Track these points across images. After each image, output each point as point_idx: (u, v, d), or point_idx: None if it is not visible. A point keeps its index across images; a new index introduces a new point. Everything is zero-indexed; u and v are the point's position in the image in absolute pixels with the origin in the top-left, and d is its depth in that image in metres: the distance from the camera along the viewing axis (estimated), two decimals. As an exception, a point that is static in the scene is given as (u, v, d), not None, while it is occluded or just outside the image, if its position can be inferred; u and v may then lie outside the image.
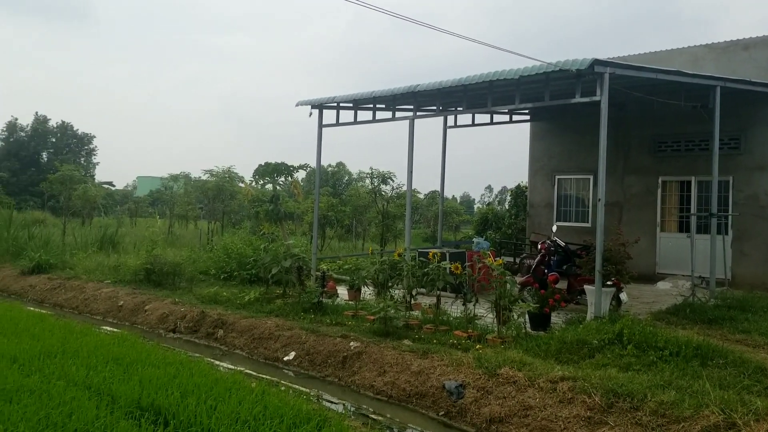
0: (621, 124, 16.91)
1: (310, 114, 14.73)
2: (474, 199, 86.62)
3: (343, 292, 13.09)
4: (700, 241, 14.05)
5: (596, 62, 9.83)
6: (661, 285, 14.93)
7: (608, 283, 10.18)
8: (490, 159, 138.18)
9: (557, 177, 18.55)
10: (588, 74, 10.16)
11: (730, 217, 15.03)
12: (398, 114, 14.99)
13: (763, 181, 14.89)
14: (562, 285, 11.66)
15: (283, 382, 8.63)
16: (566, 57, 10.60)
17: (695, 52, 16.28)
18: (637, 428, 6.10)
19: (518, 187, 22.28)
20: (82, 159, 61.06)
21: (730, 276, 14.75)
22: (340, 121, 14.76)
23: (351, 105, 14.54)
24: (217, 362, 9.67)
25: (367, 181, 24.93)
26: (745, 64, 15.31)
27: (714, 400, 6.16)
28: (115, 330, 11.49)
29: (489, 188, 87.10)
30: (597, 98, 10.14)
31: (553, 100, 11.68)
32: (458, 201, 74.38)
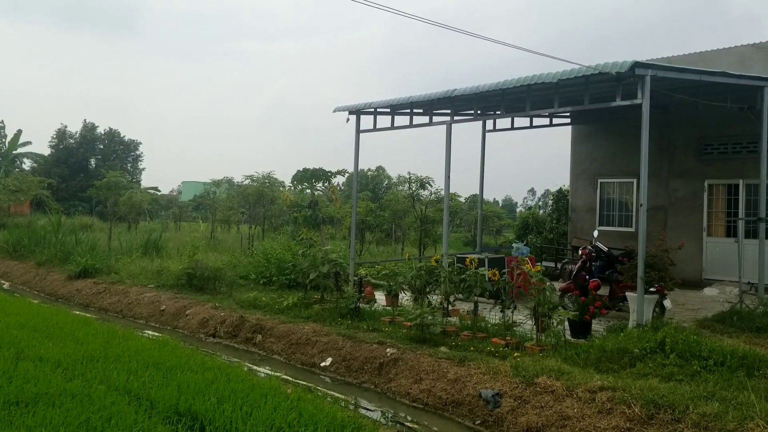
0: (665, 126, 16.55)
1: (348, 120, 14.78)
2: (516, 203, 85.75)
3: (381, 297, 13.08)
4: (748, 246, 13.64)
5: (636, 64, 9.62)
6: (708, 291, 14.53)
7: (651, 289, 9.94)
8: (534, 162, 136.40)
9: (600, 180, 18.23)
10: (628, 77, 9.95)
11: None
12: (435, 119, 14.93)
13: (815, 184, 14.35)
14: (604, 291, 11.44)
15: (319, 388, 8.66)
16: (611, 56, 10.49)
17: (742, 51, 15.82)
18: (679, 441, 5.93)
19: (560, 190, 21.98)
20: (129, 165, 62.39)
21: (781, 282, 14.26)
22: (378, 127, 14.77)
23: (388, 110, 14.54)
24: (255, 367, 9.77)
25: (406, 186, 24.89)
26: (795, 63, 14.82)
27: (759, 412, 5.95)
28: (156, 334, 11.69)
29: (532, 191, 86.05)
30: (638, 101, 9.93)
31: (593, 104, 11.48)
32: (500, 204, 73.79)
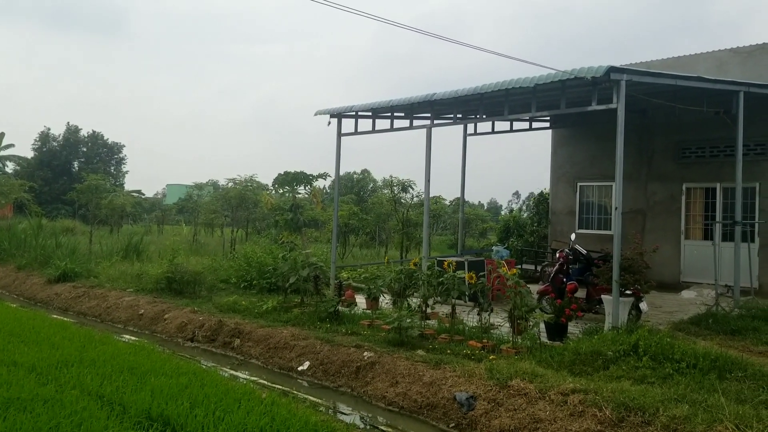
0: (643, 130, 16.71)
1: (329, 123, 14.80)
2: (501, 206, 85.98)
3: (361, 300, 13.08)
4: (725, 249, 13.78)
5: (612, 69, 9.71)
6: (685, 294, 14.66)
7: (627, 292, 10.02)
8: (519, 165, 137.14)
9: (579, 184, 18.36)
10: (604, 81, 10.04)
11: (756, 225, 14.72)
12: (416, 122, 14.98)
13: (790, 187, 14.56)
14: (582, 294, 11.52)
15: (295, 392, 8.64)
16: (595, 61, 10.51)
17: (720, 56, 16.00)
18: (648, 443, 5.98)
19: (541, 194, 22.10)
20: (112, 168, 62.04)
21: (757, 285, 14.43)
22: (359, 130, 14.79)
23: (369, 114, 14.58)
24: (233, 372, 9.75)
25: (389, 189, 24.93)
26: (772, 68, 15.00)
27: (728, 415, 6.01)
28: (134, 338, 11.64)
29: (516, 194, 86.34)
30: (614, 106, 10.01)
31: (570, 108, 11.58)
32: (485, 207, 74.01)
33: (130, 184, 66.34)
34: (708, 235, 15.73)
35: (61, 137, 58.83)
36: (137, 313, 13.62)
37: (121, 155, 63.67)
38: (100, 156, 61.10)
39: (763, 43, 15.40)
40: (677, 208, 16.35)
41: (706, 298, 13.41)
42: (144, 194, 50.55)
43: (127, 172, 64.79)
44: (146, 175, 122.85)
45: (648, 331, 8.48)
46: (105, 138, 62.39)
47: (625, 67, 10.18)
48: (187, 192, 35.27)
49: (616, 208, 10.00)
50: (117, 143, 63.22)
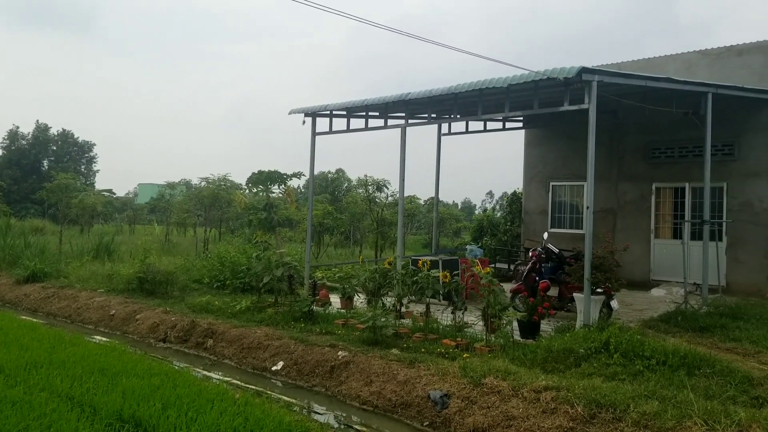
0: (615, 131, 16.93)
1: (303, 122, 14.74)
2: (475, 205, 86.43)
3: (336, 300, 13.06)
4: (694, 247, 14.04)
5: (583, 70, 9.82)
6: (655, 292, 14.89)
7: (598, 290, 10.14)
8: (493, 165, 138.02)
9: (552, 184, 18.54)
10: (576, 82, 10.15)
11: (724, 224, 15.01)
12: (390, 122, 14.99)
13: (756, 187, 14.86)
14: (554, 292, 11.63)
15: (269, 392, 8.60)
16: (568, 63, 10.61)
17: (689, 58, 16.28)
18: (619, 439, 6.06)
19: (514, 193, 22.28)
20: (83, 167, 61.19)
21: (725, 283, 14.73)
22: (333, 129, 14.76)
23: (344, 113, 14.55)
24: (205, 372, 9.66)
25: (363, 188, 24.92)
26: (739, 70, 15.31)
27: (697, 410, 6.11)
28: (105, 339, 11.49)
29: (490, 194, 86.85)
30: (585, 106, 10.12)
31: (543, 108, 11.69)
32: (459, 207, 74.34)
33: (100, 183, 65.60)
34: (677, 234, 15.99)
35: (30, 135, 57.89)
36: (108, 313, 13.44)
37: (91, 154, 62.89)
38: (70, 155, 60.25)
39: (731, 45, 15.70)
40: (647, 208, 16.60)
41: (676, 296, 13.63)
42: (115, 193, 49.91)
43: (97, 171, 64.06)
44: (117, 174, 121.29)
45: (619, 328, 8.59)
46: (75, 136, 61.58)
47: (596, 68, 10.30)
48: (159, 191, 34.88)
49: (587, 208, 10.11)
50: (88, 142, 62.42)
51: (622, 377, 7.36)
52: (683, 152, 16.01)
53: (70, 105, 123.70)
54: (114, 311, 13.42)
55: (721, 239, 14.85)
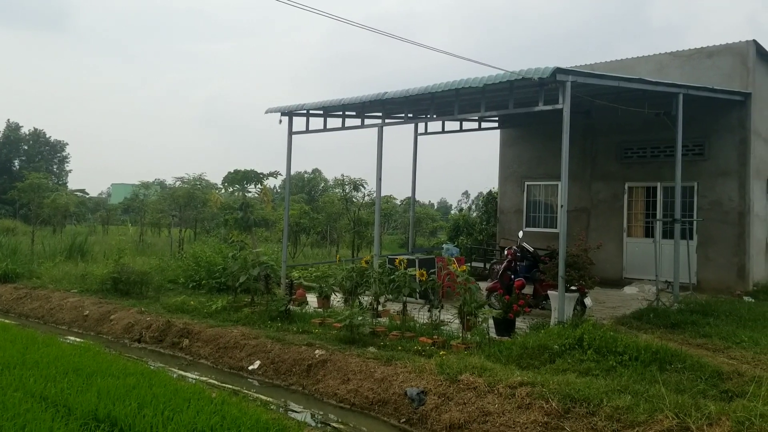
0: (588, 131, 17.14)
1: (280, 121, 14.71)
2: (451, 205, 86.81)
3: (312, 299, 13.06)
4: (666, 246, 14.27)
5: (558, 71, 9.94)
6: (628, 290, 15.11)
7: (572, 288, 10.28)
8: (469, 165, 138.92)
9: (527, 183, 18.72)
10: (550, 82, 10.28)
11: (695, 223, 15.28)
12: (367, 121, 15.04)
13: (726, 186, 15.16)
14: (529, 290, 11.76)
15: (246, 391, 8.59)
16: (544, 62, 10.73)
17: (660, 59, 16.54)
18: (593, 433, 6.17)
19: (489, 193, 22.45)
20: (55, 166, 60.35)
21: (696, 281, 15.00)
22: (310, 129, 14.75)
23: (321, 112, 14.55)
24: (181, 372, 9.61)
25: (340, 188, 24.92)
26: (709, 72, 15.60)
27: (669, 404, 6.23)
28: (78, 340, 11.37)
29: (466, 194, 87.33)
30: (559, 106, 10.24)
31: (518, 108, 11.81)
32: (435, 207, 74.59)
33: (73, 183, 64.61)
34: (649, 232, 16.25)
35: (0, 135, 56.87)
36: (82, 314, 13.30)
37: (64, 153, 62.03)
38: (42, 154, 59.40)
39: (701, 47, 15.99)
40: (620, 207, 16.84)
41: (648, 294, 13.87)
42: (88, 193, 49.14)
43: (70, 170, 63.20)
44: (90, 174, 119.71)
45: (592, 325, 8.73)
46: (47, 136, 60.71)
47: (570, 68, 10.44)
48: (132, 191, 34.49)
49: (562, 207, 10.23)
50: (60, 141, 61.61)
51: (595, 373, 7.48)
52: (655, 152, 16.27)
53: (42, 104, 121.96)
54: (88, 312, 13.28)
55: (692, 238, 15.12)
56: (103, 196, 68.52)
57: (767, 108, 16.15)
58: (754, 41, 15.27)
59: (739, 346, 9.25)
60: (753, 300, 13.57)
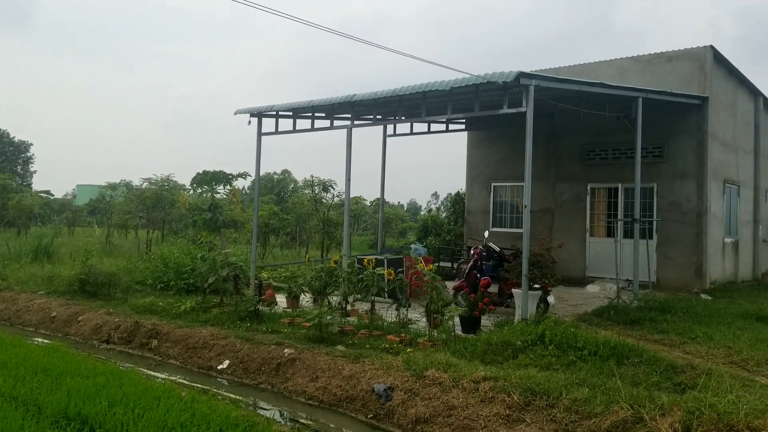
0: (552, 133, 17.52)
1: (249, 122, 14.79)
2: (421, 206, 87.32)
3: (282, 300, 13.15)
4: (627, 245, 14.67)
5: (521, 75, 10.22)
6: (590, 288, 15.50)
7: (535, 286, 10.57)
8: (438, 168, 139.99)
9: (493, 184, 19.05)
10: (514, 86, 10.55)
11: (654, 223, 15.73)
12: (336, 123, 15.20)
13: (684, 188, 15.64)
14: (494, 289, 12.03)
15: (215, 390, 8.67)
16: (510, 68, 10.99)
17: (622, 64, 16.98)
18: (552, 425, 6.41)
19: (457, 194, 22.76)
20: (19, 167, 59.30)
21: (655, 279, 15.44)
22: (280, 130, 14.85)
23: (290, 114, 14.66)
24: (150, 372, 9.65)
25: (310, 189, 25.01)
26: (669, 76, 16.08)
27: (624, 396, 6.51)
28: (46, 341, 11.33)
29: (435, 195, 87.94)
30: (523, 109, 10.53)
31: (483, 111, 12.08)
32: (405, 208, 75.00)
33: (38, 184, 63.56)
34: (611, 232, 16.67)
35: (-39, 135, 55.74)
36: (49, 315, 13.21)
37: (28, 154, 60.94)
38: (5, 155, 58.29)
39: (661, 52, 16.47)
40: (583, 207, 17.25)
41: (609, 292, 14.26)
42: (53, 194, 48.42)
43: (35, 171, 62.11)
44: (55, 174, 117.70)
45: (554, 322, 9.02)
46: (11, 136, 59.57)
47: (534, 72, 10.73)
48: (99, 192, 34.09)
49: (525, 206, 10.51)
50: (24, 142, 60.52)
51: (556, 367, 7.75)
52: (616, 154, 16.70)
53: (6, 103, 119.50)
54: (55, 313, 13.20)
55: (651, 237, 15.58)
56: (69, 197, 67.40)
57: (723, 111, 16.71)
58: (711, 47, 15.78)
59: (694, 342, 9.63)
60: (710, 298, 14.04)
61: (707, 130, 15.47)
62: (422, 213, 58.06)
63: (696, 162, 15.56)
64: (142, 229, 26.44)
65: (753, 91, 19.12)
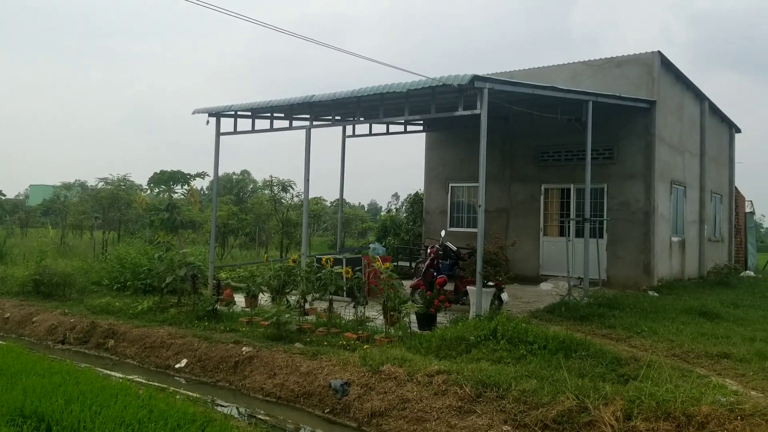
0: (507, 135, 17.92)
1: (207, 122, 14.76)
2: (381, 207, 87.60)
3: (240, 300, 13.20)
4: (578, 244, 15.11)
5: (476, 78, 10.49)
6: (543, 286, 15.90)
7: (489, 284, 10.86)
8: (399, 168, 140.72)
9: (451, 185, 19.37)
10: (469, 89, 10.82)
11: (604, 222, 16.22)
12: (295, 123, 15.29)
13: (633, 188, 16.17)
14: (451, 287, 12.29)
15: (173, 388, 8.72)
16: (472, 69, 11.25)
17: (574, 68, 17.46)
18: (501, 415, 6.67)
19: (416, 194, 23.04)
20: (-33, 166, 57.63)
21: (605, 277, 15.93)
22: (238, 130, 14.87)
23: (249, 114, 14.69)
24: (107, 371, 9.64)
25: (269, 189, 25.01)
26: (618, 81, 16.60)
27: (570, 387, 6.80)
28: (1, 342, 11.17)
29: (396, 196, 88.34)
30: (478, 111, 10.80)
31: (440, 113, 12.32)
32: (366, 209, 75.19)
33: (-12, 184, 61.87)
34: (564, 231, 17.11)
35: None
36: (2, 316, 13.02)
37: (-23, 153, 59.23)
38: (-48, 154, 56.59)
39: (612, 57, 16.99)
40: (537, 207, 17.68)
41: (561, 289, 14.66)
42: (5, 195, 47.26)
43: (-16, 171, 60.34)
44: (6, 175, 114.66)
45: (506, 318, 9.29)
46: (-41, 134, 57.87)
47: (488, 76, 11.02)
48: (53, 192, 33.45)
49: (479, 206, 10.79)
50: (-28, 140, 58.75)
51: (507, 361, 8.03)
52: (569, 155, 17.17)
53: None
54: (8, 314, 13.02)
55: (602, 236, 16.07)
56: (21, 197, 65.80)
57: (671, 115, 17.32)
58: (659, 52, 16.35)
59: (640, 336, 10.04)
60: (657, 294, 14.57)
61: (655, 132, 16.02)
62: (382, 213, 58.37)
63: (644, 163, 16.10)
64: (98, 230, 26.05)
65: (699, 96, 19.85)
